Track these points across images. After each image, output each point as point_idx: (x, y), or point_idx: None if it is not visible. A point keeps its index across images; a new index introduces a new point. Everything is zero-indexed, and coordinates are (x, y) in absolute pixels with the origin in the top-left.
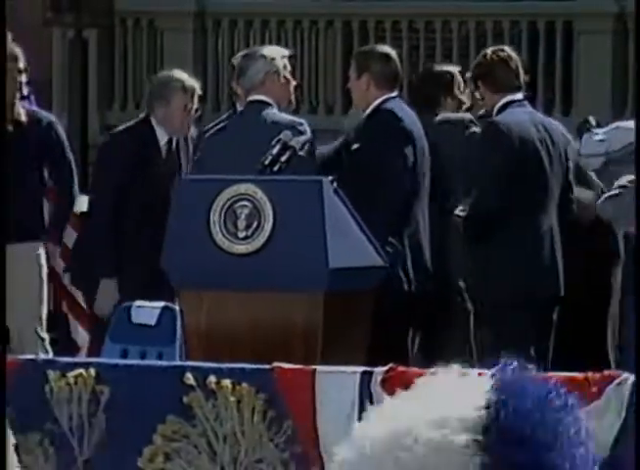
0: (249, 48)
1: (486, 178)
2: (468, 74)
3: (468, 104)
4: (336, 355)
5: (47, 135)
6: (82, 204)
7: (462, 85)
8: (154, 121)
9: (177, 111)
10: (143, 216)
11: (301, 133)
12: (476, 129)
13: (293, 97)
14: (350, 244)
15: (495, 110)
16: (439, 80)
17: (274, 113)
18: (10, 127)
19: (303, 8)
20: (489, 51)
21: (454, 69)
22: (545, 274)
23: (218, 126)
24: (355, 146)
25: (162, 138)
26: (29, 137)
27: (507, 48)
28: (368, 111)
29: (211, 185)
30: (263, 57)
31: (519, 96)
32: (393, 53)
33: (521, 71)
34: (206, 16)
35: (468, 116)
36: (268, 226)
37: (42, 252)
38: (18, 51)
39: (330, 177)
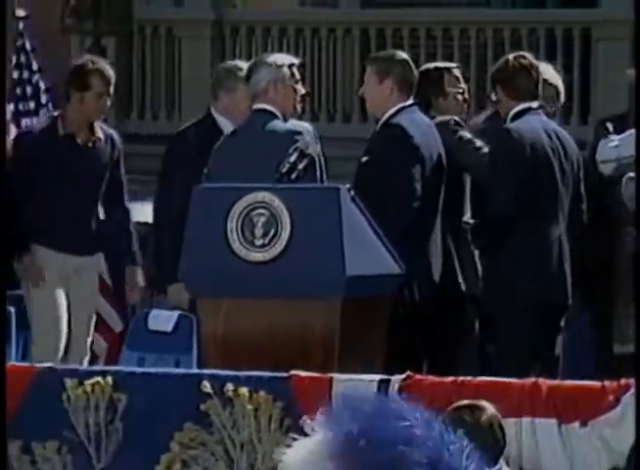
0: (254, 58)
1: (498, 185)
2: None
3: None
4: (353, 362)
5: (114, 151)
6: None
7: (456, 82)
8: (215, 113)
9: (242, 100)
10: None
11: (294, 143)
12: (463, 133)
13: (299, 106)
14: (367, 251)
15: (510, 116)
16: (427, 79)
17: (274, 122)
18: (90, 144)
19: (321, 16)
20: (511, 57)
21: (449, 64)
22: (553, 282)
23: (225, 135)
24: (365, 158)
25: (227, 129)
26: (106, 153)
27: (528, 55)
28: (381, 121)
29: (228, 193)
30: (268, 64)
31: (535, 104)
32: (409, 60)
33: (540, 80)
34: (224, 23)
35: (455, 118)
36: (285, 234)
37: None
38: (112, 75)
39: (347, 185)
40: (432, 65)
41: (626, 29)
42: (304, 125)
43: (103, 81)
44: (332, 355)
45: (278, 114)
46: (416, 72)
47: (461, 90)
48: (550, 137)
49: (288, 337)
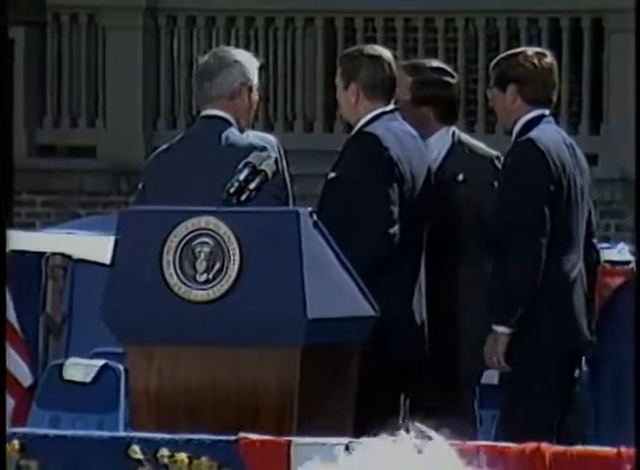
0: (218, 48)
1: (528, 205)
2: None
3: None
4: (316, 423)
5: None
6: (18, 240)
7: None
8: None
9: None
10: None
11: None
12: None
13: (252, 118)
14: (333, 289)
15: (521, 124)
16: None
17: (233, 133)
18: None
19: (277, 3)
20: (530, 53)
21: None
22: (577, 324)
23: (163, 147)
24: (332, 174)
25: None
26: None
27: (548, 52)
28: (354, 130)
29: (165, 218)
30: (239, 64)
31: (547, 111)
32: (387, 54)
33: (557, 83)
34: (159, 11)
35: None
36: (234, 268)
37: None
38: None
39: (309, 208)
40: None
41: None
42: (268, 138)
43: None
44: (289, 415)
45: (233, 122)
46: (395, 70)
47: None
48: (569, 152)
49: (235, 393)
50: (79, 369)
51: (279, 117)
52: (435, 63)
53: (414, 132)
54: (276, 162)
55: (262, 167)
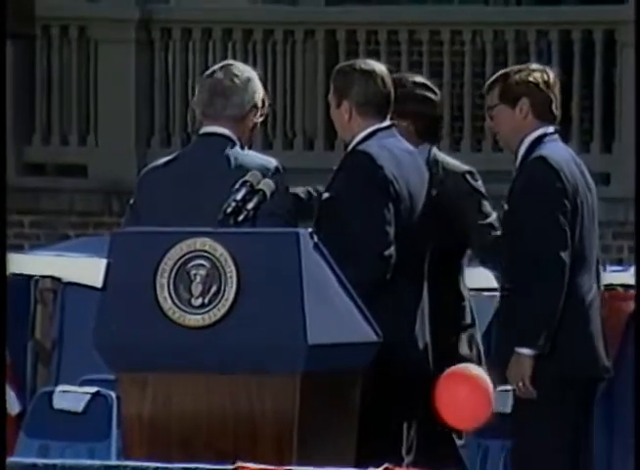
0: (232, 64)
1: (547, 222)
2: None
3: None
4: (316, 452)
5: None
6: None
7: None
8: None
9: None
10: None
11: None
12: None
13: (252, 136)
14: (335, 314)
15: (528, 141)
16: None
17: (238, 152)
18: None
19: (276, 15)
20: (535, 67)
21: None
22: (595, 349)
23: (159, 162)
24: (326, 195)
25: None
26: None
27: (548, 68)
28: (349, 148)
29: (158, 239)
30: (252, 83)
31: (551, 129)
32: (381, 69)
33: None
34: (153, 23)
35: (472, 170)
36: (230, 292)
37: None
38: None
39: (309, 229)
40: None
41: None
42: (268, 159)
43: None
44: (288, 444)
45: (237, 141)
46: (390, 85)
47: None
48: (579, 171)
49: (232, 421)
50: (69, 398)
51: (278, 135)
52: (419, 78)
53: (411, 149)
54: (276, 182)
55: (260, 187)
